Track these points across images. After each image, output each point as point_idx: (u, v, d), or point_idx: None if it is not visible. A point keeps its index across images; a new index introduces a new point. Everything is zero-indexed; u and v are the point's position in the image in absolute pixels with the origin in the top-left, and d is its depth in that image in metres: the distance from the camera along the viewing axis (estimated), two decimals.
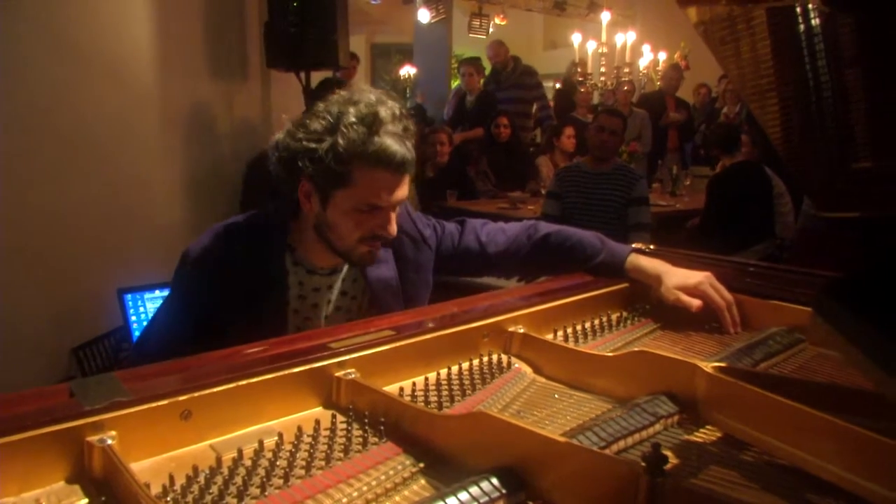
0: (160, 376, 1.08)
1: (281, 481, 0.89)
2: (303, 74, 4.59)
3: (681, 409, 1.07)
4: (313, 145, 1.40)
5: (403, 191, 1.47)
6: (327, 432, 1.02)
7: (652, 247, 1.79)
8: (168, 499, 0.85)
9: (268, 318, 1.51)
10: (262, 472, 0.91)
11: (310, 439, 1.00)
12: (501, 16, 11.10)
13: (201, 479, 0.89)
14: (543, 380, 1.27)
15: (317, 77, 4.71)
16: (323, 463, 0.94)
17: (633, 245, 1.79)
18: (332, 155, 1.39)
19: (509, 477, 0.85)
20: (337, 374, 1.12)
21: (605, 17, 6.08)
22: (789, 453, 0.93)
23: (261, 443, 0.97)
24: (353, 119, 1.40)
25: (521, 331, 1.35)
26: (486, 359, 1.30)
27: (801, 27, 1.03)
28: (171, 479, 0.87)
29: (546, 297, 1.49)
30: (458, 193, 5.41)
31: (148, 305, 3.27)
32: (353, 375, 1.12)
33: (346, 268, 1.63)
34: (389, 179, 1.43)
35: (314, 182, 1.45)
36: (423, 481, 0.92)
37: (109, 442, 0.89)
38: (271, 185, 1.54)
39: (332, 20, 4.42)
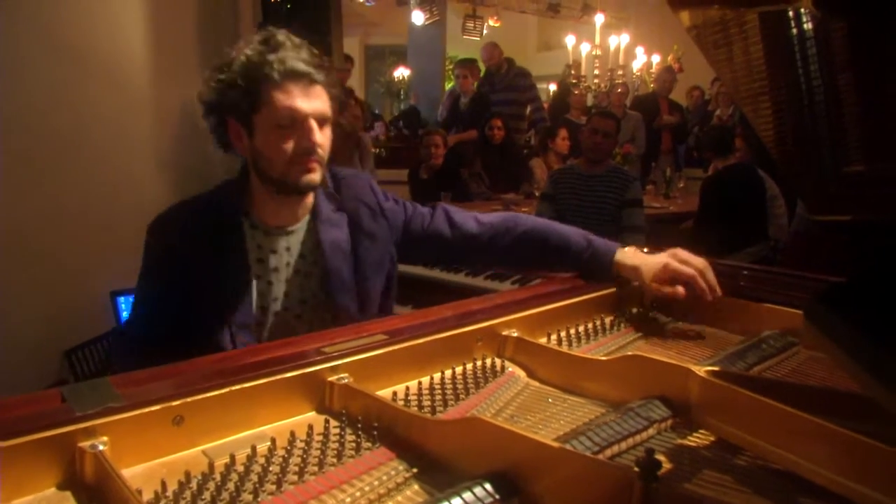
0: (152, 381, 1.07)
1: (273, 487, 0.89)
2: None
3: (674, 414, 1.07)
4: (223, 78, 1.50)
5: (318, 102, 1.51)
6: (320, 437, 1.02)
7: (646, 249, 1.79)
8: None
9: (230, 283, 1.55)
10: (254, 477, 0.90)
11: (303, 444, 0.99)
12: (495, 17, 11.12)
13: (193, 485, 0.88)
14: (537, 384, 1.27)
15: None
16: (316, 468, 0.93)
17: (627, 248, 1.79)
18: (242, 81, 1.47)
19: (503, 482, 0.85)
20: (330, 379, 1.11)
21: (599, 19, 6.11)
22: (782, 457, 0.93)
23: (253, 448, 0.96)
24: (253, 45, 1.50)
25: (515, 334, 1.35)
26: (479, 363, 1.29)
27: (794, 31, 1.03)
28: (164, 485, 0.87)
29: (540, 300, 1.49)
30: (451, 195, 5.41)
31: None
32: (346, 380, 1.11)
33: (302, 228, 1.65)
34: (299, 90, 1.48)
35: (236, 117, 1.52)
36: (416, 486, 0.91)
37: (101, 448, 0.89)
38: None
39: (325, 22, 4.43)
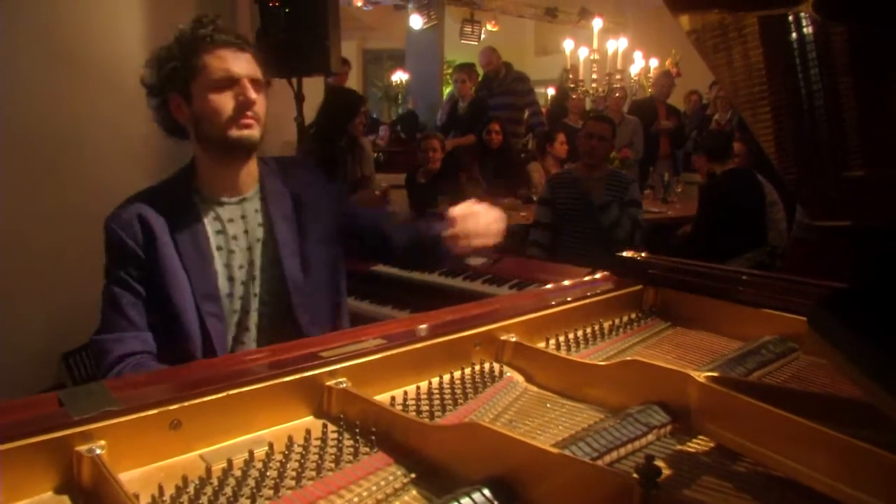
0: (150, 385, 1.07)
1: (271, 492, 0.88)
2: (295, 81, 4.59)
3: (673, 419, 1.07)
4: (162, 55, 1.63)
5: (250, 66, 1.63)
6: (318, 442, 1.01)
7: (644, 254, 1.79)
8: None
9: (190, 255, 1.61)
10: (251, 482, 0.90)
11: (300, 449, 0.99)
12: (493, 22, 11.15)
13: (191, 489, 0.88)
14: (536, 389, 1.27)
15: (308, 83, 4.71)
16: (313, 473, 0.93)
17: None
18: (178, 52, 1.60)
19: (501, 488, 0.85)
20: (328, 384, 1.11)
21: (597, 23, 6.11)
22: (782, 463, 0.92)
23: (251, 453, 0.96)
24: (186, 24, 1.63)
25: (514, 339, 1.35)
26: (477, 367, 1.29)
27: (794, 36, 1.03)
28: (161, 489, 0.86)
29: (538, 305, 1.49)
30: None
31: None
32: (344, 384, 1.11)
33: (254, 198, 1.73)
34: (230, 53, 1.60)
35: (175, 89, 1.62)
36: (414, 492, 0.91)
37: (98, 452, 0.88)
38: None
39: (323, 26, 4.42)
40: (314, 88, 4.97)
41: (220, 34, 1.61)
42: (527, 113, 7.54)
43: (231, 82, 1.59)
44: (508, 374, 1.29)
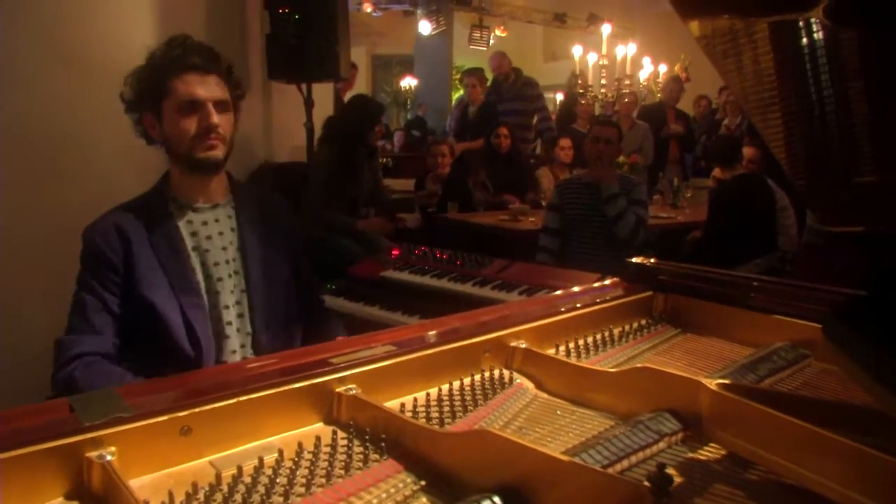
0: (160, 392, 1.07)
1: (281, 499, 0.88)
2: (304, 86, 4.60)
3: (684, 427, 1.06)
4: (136, 77, 1.75)
5: (215, 89, 1.73)
6: (328, 449, 1.01)
7: (653, 260, 1.79)
8: None
9: (169, 257, 1.72)
10: (261, 489, 0.90)
11: (310, 456, 0.99)
12: (502, 27, 11.16)
13: (200, 495, 0.88)
14: (546, 395, 1.26)
15: (318, 89, 4.72)
16: (323, 480, 0.93)
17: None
18: (149, 76, 1.72)
19: (512, 496, 0.84)
20: (338, 390, 1.11)
21: (606, 29, 6.09)
22: (794, 472, 0.92)
23: (261, 459, 0.96)
24: (159, 46, 1.74)
25: (523, 346, 1.35)
26: (487, 374, 1.29)
27: (804, 41, 1.03)
28: (171, 495, 0.86)
29: (548, 311, 1.49)
30: (458, 205, 5.39)
31: None
32: (353, 391, 1.11)
33: (228, 204, 1.86)
34: (196, 79, 1.70)
35: (148, 108, 1.74)
36: (424, 499, 0.91)
37: (109, 458, 0.88)
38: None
39: (333, 32, 4.43)
40: (324, 94, 4.98)
41: (190, 55, 1.70)
42: (536, 118, 7.54)
43: (196, 106, 1.70)
44: (518, 380, 1.29)
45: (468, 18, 10.88)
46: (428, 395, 1.19)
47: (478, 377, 1.27)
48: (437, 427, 1.07)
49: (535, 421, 1.14)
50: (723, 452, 1.02)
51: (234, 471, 0.93)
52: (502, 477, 0.87)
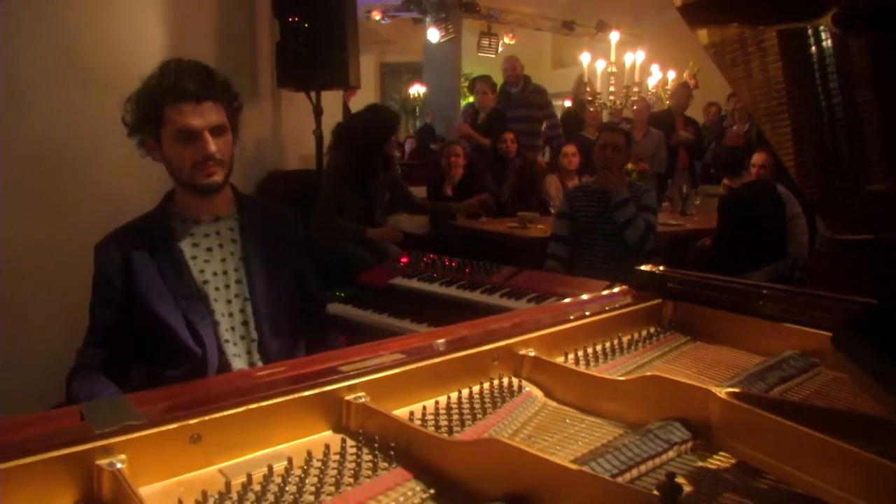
0: (170, 399, 1.07)
1: None
2: (313, 94, 4.62)
3: (694, 436, 1.06)
4: (133, 105, 1.76)
5: (210, 115, 1.72)
6: (337, 457, 1.01)
7: (662, 267, 1.78)
8: None
9: (169, 268, 1.77)
10: (271, 497, 0.90)
11: (319, 464, 0.99)
12: (510, 35, 11.16)
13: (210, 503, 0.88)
14: (554, 404, 1.26)
15: (327, 96, 4.74)
16: (332, 488, 0.93)
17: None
18: (145, 105, 1.73)
19: None
20: (347, 398, 1.11)
21: (614, 36, 6.09)
22: (804, 481, 0.91)
23: (270, 467, 0.96)
24: (153, 74, 1.75)
25: (532, 354, 1.35)
26: (496, 382, 1.29)
27: (813, 49, 1.03)
28: (180, 503, 0.87)
29: (557, 319, 1.49)
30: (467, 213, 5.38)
31: None
32: (363, 399, 1.11)
33: (231, 217, 1.90)
34: (190, 108, 1.70)
35: (148, 133, 1.76)
36: None
37: (119, 466, 0.89)
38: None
39: (342, 40, 4.45)
40: (333, 102, 5.00)
41: (183, 82, 1.70)
42: (545, 125, 7.54)
43: (192, 136, 1.71)
44: (527, 388, 1.29)
45: (477, 26, 10.90)
46: (437, 403, 1.19)
47: (486, 385, 1.27)
48: (445, 435, 1.07)
49: (544, 429, 1.14)
50: (732, 461, 1.02)
51: (243, 479, 0.94)
52: (511, 486, 0.87)
